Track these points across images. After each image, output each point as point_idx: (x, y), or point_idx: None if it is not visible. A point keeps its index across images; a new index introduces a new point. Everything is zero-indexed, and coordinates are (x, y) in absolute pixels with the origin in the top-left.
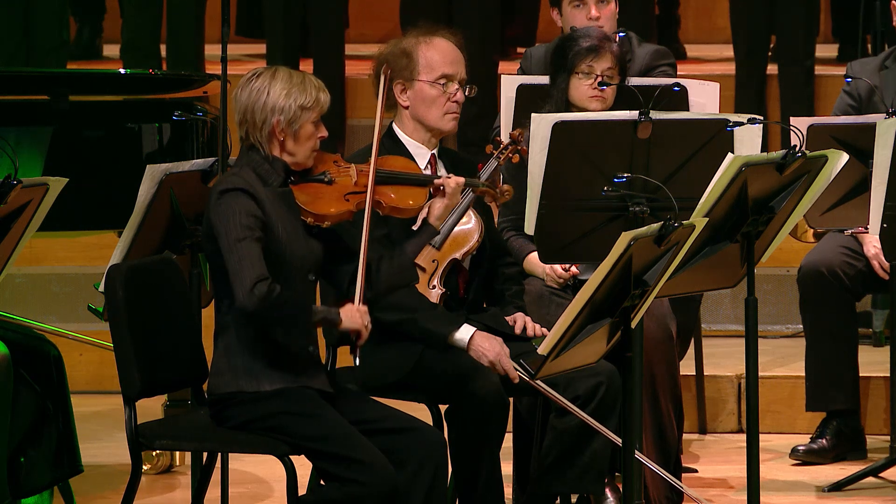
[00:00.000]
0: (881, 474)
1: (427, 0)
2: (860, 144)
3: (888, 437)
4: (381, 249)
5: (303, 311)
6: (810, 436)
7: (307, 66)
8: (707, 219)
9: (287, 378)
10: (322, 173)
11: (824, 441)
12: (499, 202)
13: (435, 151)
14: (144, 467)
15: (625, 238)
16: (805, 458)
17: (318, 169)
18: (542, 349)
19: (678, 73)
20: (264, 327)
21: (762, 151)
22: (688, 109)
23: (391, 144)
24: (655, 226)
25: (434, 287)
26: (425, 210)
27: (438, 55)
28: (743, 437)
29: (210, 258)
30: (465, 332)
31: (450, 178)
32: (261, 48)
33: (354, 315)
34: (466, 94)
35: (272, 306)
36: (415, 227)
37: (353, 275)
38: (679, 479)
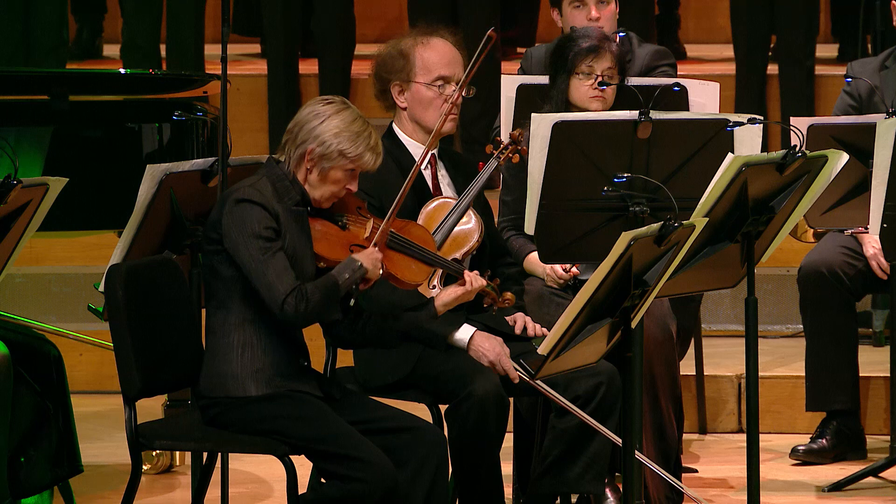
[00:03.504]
0: (881, 474)
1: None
2: (860, 144)
3: (888, 437)
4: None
5: (334, 297)
6: (810, 436)
7: (310, 66)
8: (707, 219)
9: (274, 384)
10: (340, 215)
11: (824, 441)
12: (495, 307)
13: (435, 152)
14: (144, 467)
15: (625, 238)
16: (805, 458)
17: (338, 209)
18: (542, 349)
19: (678, 73)
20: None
21: (762, 151)
22: (688, 109)
23: (391, 145)
24: (655, 226)
25: (434, 287)
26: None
27: (435, 56)
28: (743, 437)
29: (207, 258)
30: (465, 332)
31: (475, 278)
32: (260, 48)
33: (375, 260)
34: (464, 94)
35: (309, 314)
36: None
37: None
38: (679, 479)
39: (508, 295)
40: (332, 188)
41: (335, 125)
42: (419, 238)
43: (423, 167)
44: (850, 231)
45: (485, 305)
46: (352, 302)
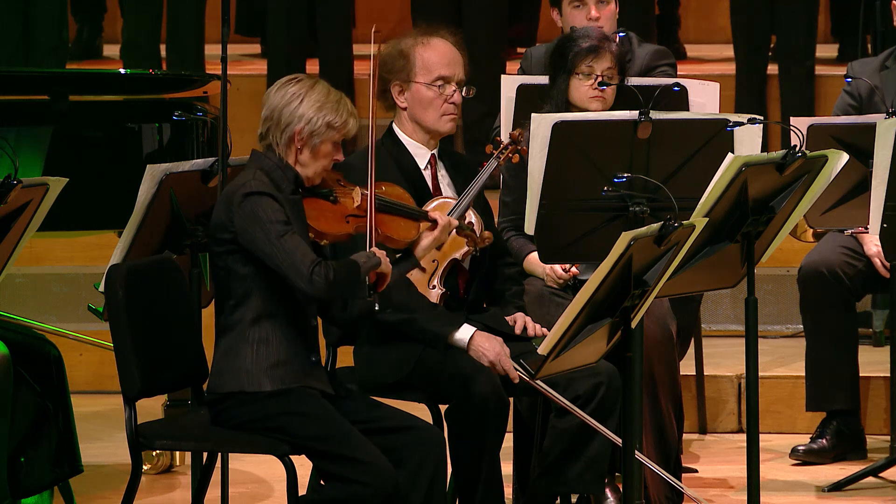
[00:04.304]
0: (881, 474)
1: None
2: (860, 144)
3: (888, 437)
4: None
5: (356, 275)
6: (810, 436)
7: (313, 66)
8: (707, 219)
9: (288, 379)
10: (329, 190)
11: (824, 441)
12: (478, 247)
13: (435, 152)
14: (144, 467)
15: (625, 238)
16: (805, 458)
17: (324, 186)
18: (542, 349)
19: (678, 73)
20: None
21: (762, 151)
22: (688, 109)
23: (391, 145)
24: (655, 226)
25: (434, 287)
26: None
27: (436, 56)
28: (743, 437)
29: (216, 258)
30: (465, 332)
31: (443, 215)
32: (260, 48)
33: (385, 257)
34: (464, 94)
35: (336, 289)
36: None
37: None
38: (679, 479)
39: (487, 234)
40: (323, 162)
41: (315, 100)
42: (399, 196)
43: (422, 167)
44: (850, 231)
45: (468, 248)
46: (376, 307)
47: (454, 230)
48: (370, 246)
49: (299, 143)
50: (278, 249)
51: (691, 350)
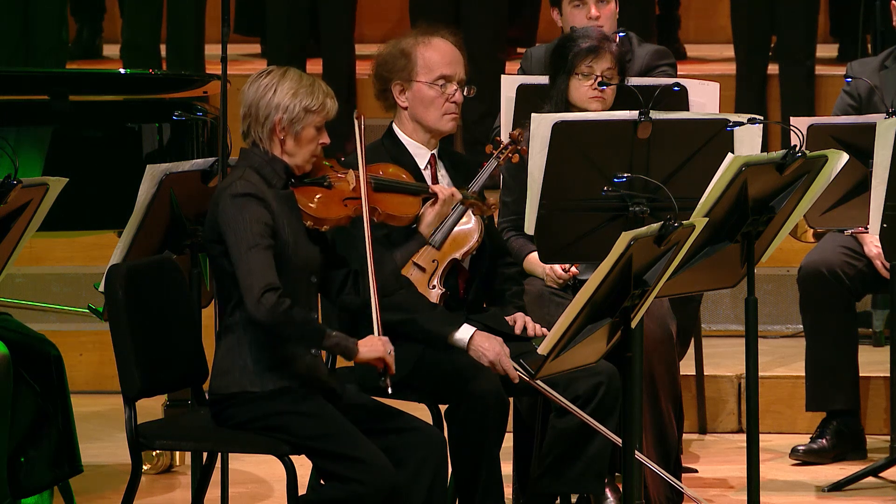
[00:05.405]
0: (881, 474)
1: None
2: (860, 144)
3: (888, 437)
4: (379, 251)
5: (316, 334)
6: (810, 436)
7: (314, 66)
8: (707, 219)
9: (291, 377)
10: (322, 177)
11: (824, 441)
12: (485, 215)
13: (435, 152)
14: (144, 467)
15: (625, 238)
16: (805, 458)
17: (317, 173)
18: (542, 349)
19: (678, 73)
20: (273, 335)
21: (762, 151)
22: (688, 109)
23: (391, 145)
24: (655, 226)
25: (434, 287)
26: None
27: (437, 56)
28: (743, 437)
29: (213, 260)
30: (464, 332)
31: (443, 187)
32: (260, 48)
33: (376, 344)
34: (465, 94)
35: (282, 320)
36: None
37: (343, 284)
38: (679, 479)
39: (492, 200)
40: (309, 148)
41: (288, 88)
42: (395, 174)
43: (422, 167)
44: (850, 231)
45: (475, 215)
46: (389, 390)
47: (459, 202)
48: (367, 227)
49: (281, 132)
50: (242, 260)
51: (691, 350)
